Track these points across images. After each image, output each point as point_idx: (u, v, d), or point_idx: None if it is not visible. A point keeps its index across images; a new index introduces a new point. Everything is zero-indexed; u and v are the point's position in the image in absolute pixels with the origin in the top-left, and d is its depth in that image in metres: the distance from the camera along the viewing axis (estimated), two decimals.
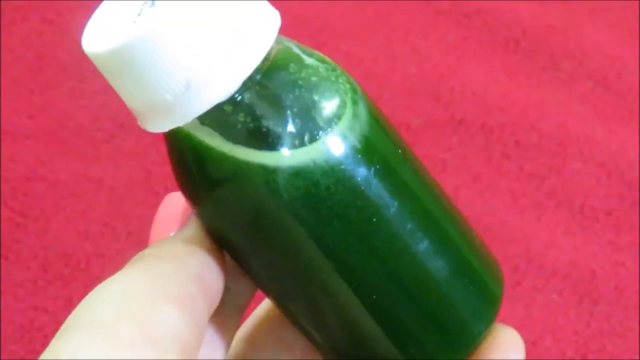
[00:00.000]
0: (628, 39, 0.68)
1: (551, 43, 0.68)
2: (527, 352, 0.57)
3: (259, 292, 0.29)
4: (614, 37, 0.69)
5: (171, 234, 0.26)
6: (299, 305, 0.27)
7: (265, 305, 0.31)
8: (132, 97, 0.24)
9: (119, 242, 0.59)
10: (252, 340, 0.30)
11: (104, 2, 0.24)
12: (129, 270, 0.24)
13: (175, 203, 0.27)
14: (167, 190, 0.72)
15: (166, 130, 0.24)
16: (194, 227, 0.26)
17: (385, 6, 0.71)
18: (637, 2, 0.70)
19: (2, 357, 0.54)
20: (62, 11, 0.70)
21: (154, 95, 0.23)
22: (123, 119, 0.63)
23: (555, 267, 0.57)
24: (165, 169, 0.26)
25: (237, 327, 0.29)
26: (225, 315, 0.27)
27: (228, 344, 0.28)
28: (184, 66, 0.23)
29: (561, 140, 0.63)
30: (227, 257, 0.27)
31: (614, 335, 0.54)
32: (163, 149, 0.26)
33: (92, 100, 0.64)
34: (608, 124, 0.64)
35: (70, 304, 0.55)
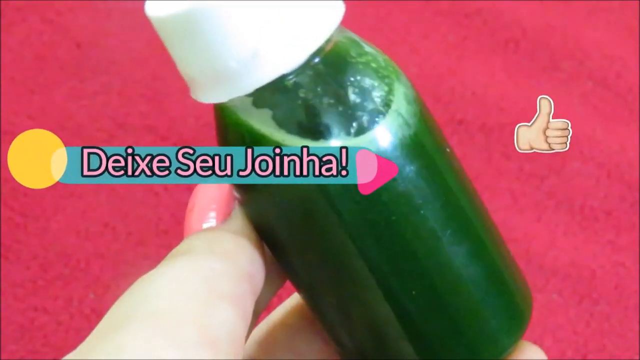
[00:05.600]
0: (628, 39, 0.68)
1: (551, 43, 0.68)
2: None
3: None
4: (614, 37, 0.69)
5: (212, 223, 0.26)
6: (332, 301, 0.27)
7: (281, 311, 0.30)
8: (193, 63, 0.24)
9: (119, 242, 0.58)
10: (264, 345, 0.29)
11: None
12: (181, 263, 0.23)
13: (212, 190, 0.26)
14: (167, 191, 0.72)
15: (225, 100, 0.24)
16: (240, 219, 0.26)
17: (385, 6, 0.71)
18: (637, 2, 0.70)
19: (2, 357, 0.54)
20: (62, 11, 0.70)
21: (219, 61, 0.23)
22: (123, 119, 0.63)
23: (555, 267, 0.57)
24: None
25: (251, 329, 0.28)
26: None
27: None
28: (253, 34, 0.22)
29: None
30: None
31: (614, 335, 0.54)
32: None
33: (92, 100, 0.64)
34: (608, 124, 0.64)
35: (70, 304, 0.55)
